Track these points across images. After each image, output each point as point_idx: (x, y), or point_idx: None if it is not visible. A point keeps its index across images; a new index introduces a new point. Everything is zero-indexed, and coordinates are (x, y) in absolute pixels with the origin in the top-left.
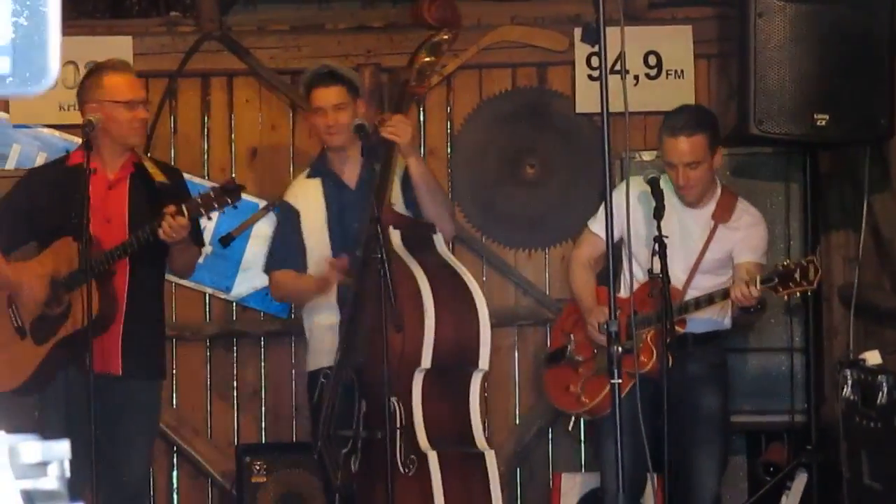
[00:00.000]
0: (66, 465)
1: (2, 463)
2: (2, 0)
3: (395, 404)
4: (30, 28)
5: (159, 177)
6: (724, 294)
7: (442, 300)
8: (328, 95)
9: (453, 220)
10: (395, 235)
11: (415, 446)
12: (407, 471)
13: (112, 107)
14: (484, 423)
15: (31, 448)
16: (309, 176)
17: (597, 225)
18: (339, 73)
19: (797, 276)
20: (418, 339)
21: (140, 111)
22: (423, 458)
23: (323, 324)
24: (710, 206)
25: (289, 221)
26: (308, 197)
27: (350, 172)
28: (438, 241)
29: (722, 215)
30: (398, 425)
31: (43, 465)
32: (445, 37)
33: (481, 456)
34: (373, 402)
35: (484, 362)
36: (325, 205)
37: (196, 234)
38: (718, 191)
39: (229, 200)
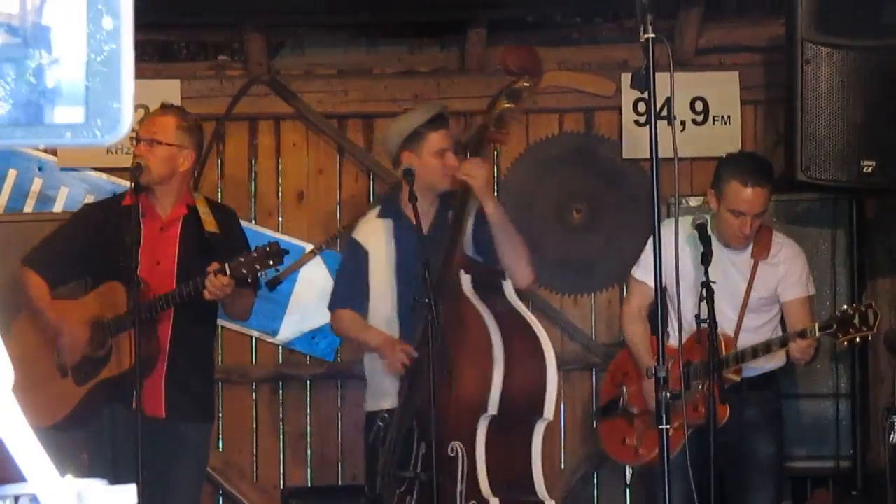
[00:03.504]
0: None
1: None
2: (77, 52)
3: (458, 448)
4: (104, 79)
5: (210, 226)
6: (782, 342)
7: (511, 348)
8: (447, 137)
9: (531, 266)
10: (466, 280)
11: (476, 492)
12: None
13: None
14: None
15: (99, 493)
16: (380, 216)
17: (640, 272)
18: (447, 115)
19: (857, 321)
20: (485, 386)
21: (139, 146)
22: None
23: (385, 367)
24: (749, 245)
25: (356, 260)
26: (378, 237)
27: (425, 216)
28: (508, 287)
29: (760, 252)
30: (460, 469)
31: None
32: (526, 84)
33: None
34: (432, 445)
35: (549, 412)
36: (395, 247)
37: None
38: None
39: (272, 263)
